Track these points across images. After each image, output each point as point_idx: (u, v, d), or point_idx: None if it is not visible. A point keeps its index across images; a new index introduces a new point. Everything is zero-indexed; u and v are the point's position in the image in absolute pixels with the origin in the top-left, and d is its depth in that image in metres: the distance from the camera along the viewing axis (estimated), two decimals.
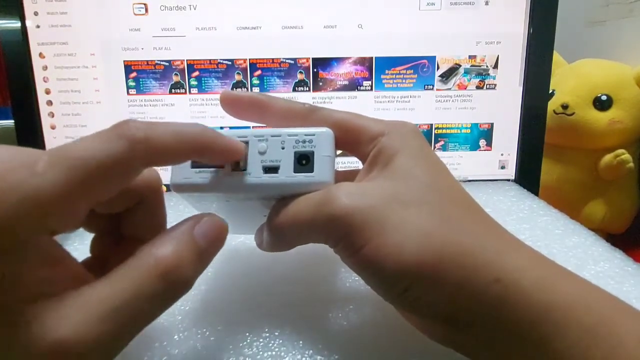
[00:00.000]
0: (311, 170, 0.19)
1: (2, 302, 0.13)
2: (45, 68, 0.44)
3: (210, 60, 0.45)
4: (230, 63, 0.45)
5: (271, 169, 0.19)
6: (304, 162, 0.19)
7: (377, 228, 0.17)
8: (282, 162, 0.19)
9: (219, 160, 0.19)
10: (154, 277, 0.15)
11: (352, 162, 0.45)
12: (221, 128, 0.20)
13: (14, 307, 0.13)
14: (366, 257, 0.17)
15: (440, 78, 0.46)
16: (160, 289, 0.15)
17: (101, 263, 0.19)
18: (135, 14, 0.43)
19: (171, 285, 0.15)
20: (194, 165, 0.19)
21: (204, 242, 0.17)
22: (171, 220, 0.37)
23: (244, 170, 0.19)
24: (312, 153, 0.19)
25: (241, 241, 0.30)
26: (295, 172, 0.19)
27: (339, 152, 0.21)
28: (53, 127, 0.45)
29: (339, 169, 0.23)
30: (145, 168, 0.16)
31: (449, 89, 0.46)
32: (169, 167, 0.19)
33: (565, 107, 0.78)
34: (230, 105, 0.22)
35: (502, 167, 0.48)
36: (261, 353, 0.20)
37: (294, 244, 0.20)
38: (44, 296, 0.14)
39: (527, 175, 0.47)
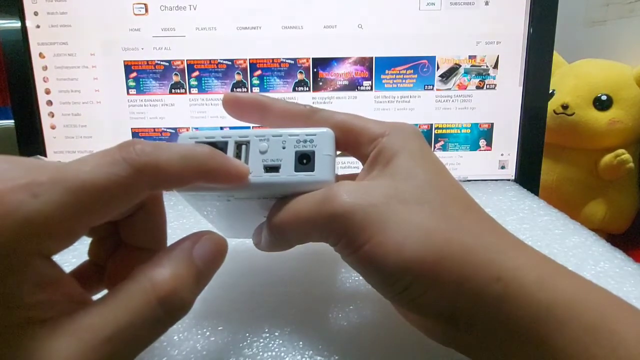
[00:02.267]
0: (312, 169, 0.19)
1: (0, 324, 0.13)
2: (45, 68, 0.44)
3: (210, 60, 0.45)
4: (230, 63, 0.45)
5: (272, 168, 0.19)
6: (304, 161, 0.19)
7: (377, 226, 0.17)
8: (283, 162, 0.19)
9: (225, 183, 0.18)
10: (151, 302, 0.14)
11: (351, 162, 0.45)
12: (221, 128, 0.20)
13: (5, 332, 0.13)
14: (367, 255, 0.17)
15: (440, 78, 0.46)
16: (157, 315, 0.14)
17: (99, 267, 0.19)
18: (135, 14, 0.43)
19: (168, 310, 0.15)
20: None
21: (203, 263, 0.16)
22: (171, 219, 0.37)
23: None
24: (313, 152, 0.19)
25: (241, 241, 0.29)
26: (296, 171, 0.19)
27: (338, 152, 0.21)
28: (53, 127, 0.45)
29: (339, 173, 0.23)
30: (150, 192, 0.16)
31: (449, 89, 0.46)
32: None
33: (565, 107, 0.78)
34: (233, 106, 0.22)
35: (502, 167, 0.48)
36: (261, 353, 0.20)
37: (294, 243, 0.20)
38: (38, 321, 0.13)
39: (527, 175, 0.47)
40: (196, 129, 0.46)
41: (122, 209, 0.15)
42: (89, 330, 0.14)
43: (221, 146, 0.19)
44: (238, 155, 0.19)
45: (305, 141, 0.19)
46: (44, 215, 0.13)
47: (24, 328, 0.13)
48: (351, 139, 0.20)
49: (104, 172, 0.14)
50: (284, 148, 0.19)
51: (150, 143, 0.15)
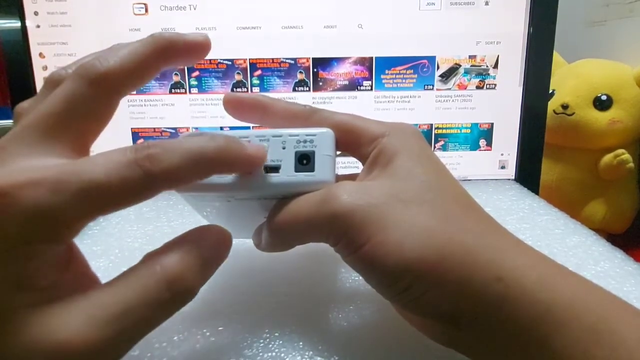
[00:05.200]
0: (312, 170, 0.19)
1: (10, 305, 0.14)
2: (45, 68, 0.44)
3: (210, 60, 0.45)
4: (230, 63, 0.45)
5: (272, 169, 0.19)
6: (304, 161, 0.19)
7: (378, 226, 0.17)
8: (283, 162, 0.19)
9: (243, 171, 0.19)
10: (159, 285, 0.15)
11: (351, 163, 0.45)
12: (221, 128, 0.21)
13: (20, 310, 0.14)
14: (367, 255, 0.17)
15: (440, 78, 0.46)
16: (165, 297, 0.15)
17: None
18: (135, 14, 0.43)
19: (175, 294, 0.15)
20: None
21: (209, 253, 0.17)
22: (171, 219, 0.37)
23: None
24: (313, 153, 0.19)
25: (241, 241, 0.29)
26: (296, 171, 0.19)
27: (338, 152, 0.21)
28: None
29: (339, 173, 0.23)
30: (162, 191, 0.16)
31: (449, 89, 0.46)
32: None
33: (565, 107, 0.78)
34: (233, 106, 0.22)
35: (502, 167, 0.48)
36: (261, 354, 0.20)
37: (294, 243, 0.20)
38: (47, 302, 0.14)
39: (527, 176, 0.47)
40: (196, 128, 0.46)
41: (131, 206, 0.16)
42: (99, 308, 0.14)
43: None
44: None
45: (305, 141, 0.19)
46: (59, 210, 0.14)
47: (34, 308, 0.14)
48: (351, 139, 0.20)
49: (119, 175, 0.14)
50: (284, 148, 0.19)
51: (162, 145, 0.15)
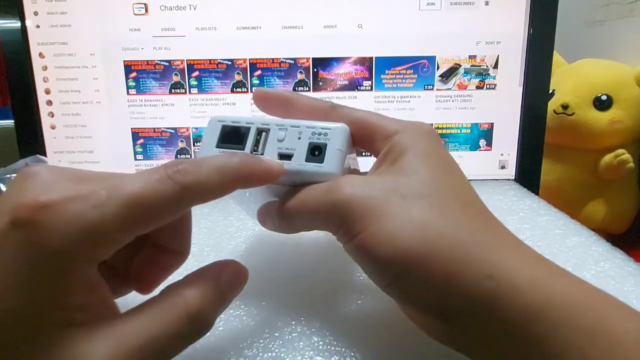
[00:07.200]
0: (321, 161, 0.20)
1: (38, 326, 0.14)
2: (45, 68, 0.44)
3: (210, 60, 0.45)
4: (230, 63, 0.45)
5: (285, 156, 0.20)
6: (316, 152, 0.20)
7: (373, 216, 0.17)
8: (296, 151, 0.20)
9: (262, 183, 0.19)
10: (182, 318, 0.16)
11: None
12: None
13: (46, 331, 0.14)
14: (361, 244, 0.18)
15: (440, 78, 0.46)
16: (186, 329, 0.16)
17: (110, 270, 0.20)
18: (135, 14, 0.43)
19: (196, 326, 0.16)
20: (218, 146, 0.21)
21: (227, 287, 0.18)
22: None
23: (261, 154, 0.21)
24: (325, 145, 0.20)
25: (242, 241, 0.30)
26: (306, 161, 0.20)
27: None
28: (53, 127, 0.45)
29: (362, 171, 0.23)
30: (192, 206, 0.17)
31: (449, 89, 0.46)
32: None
33: (565, 107, 0.78)
34: (261, 100, 0.24)
35: (502, 167, 0.48)
36: (261, 354, 0.20)
37: (300, 228, 0.21)
38: (77, 323, 0.15)
39: (527, 176, 0.47)
40: (196, 129, 0.46)
41: (166, 222, 0.17)
42: (125, 336, 0.15)
43: (244, 131, 0.21)
44: (257, 140, 0.21)
45: (319, 134, 0.20)
46: (101, 225, 0.14)
47: (64, 329, 0.14)
48: (367, 135, 0.21)
49: (154, 189, 0.15)
50: (299, 139, 0.21)
51: (190, 161, 0.17)
